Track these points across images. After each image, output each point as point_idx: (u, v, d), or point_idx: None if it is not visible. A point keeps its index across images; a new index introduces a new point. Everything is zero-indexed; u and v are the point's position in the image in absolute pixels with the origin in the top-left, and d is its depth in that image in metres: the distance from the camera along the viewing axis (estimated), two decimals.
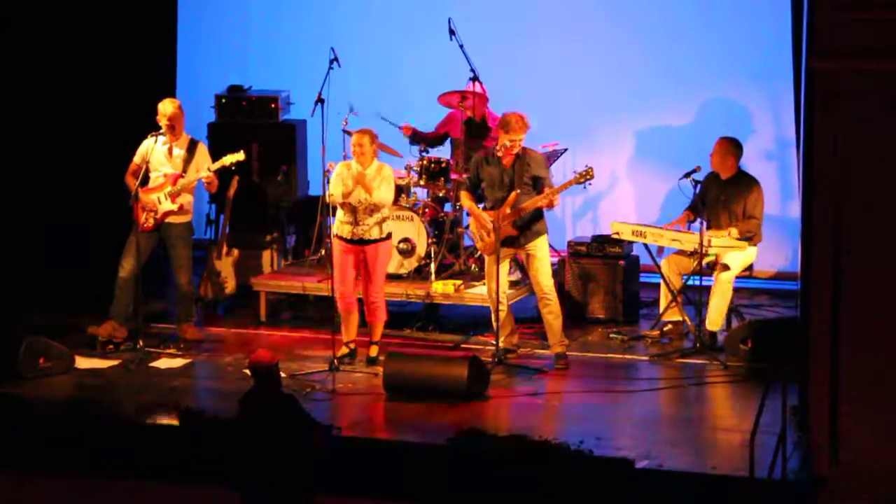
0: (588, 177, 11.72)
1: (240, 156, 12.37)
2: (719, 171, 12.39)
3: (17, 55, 13.53)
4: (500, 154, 11.72)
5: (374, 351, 11.99)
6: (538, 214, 11.84)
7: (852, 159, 9.24)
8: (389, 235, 11.96)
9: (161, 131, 12.20)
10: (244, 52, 15.09)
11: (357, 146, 11.77)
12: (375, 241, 11.79)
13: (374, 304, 11.91)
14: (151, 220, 12.23)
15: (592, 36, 14.18)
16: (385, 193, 11.74)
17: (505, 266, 11.95)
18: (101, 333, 12.31)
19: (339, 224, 11.87)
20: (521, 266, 12.52)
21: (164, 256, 12.69)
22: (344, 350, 11.95)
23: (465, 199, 12.03)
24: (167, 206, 12.25)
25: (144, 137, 12.25)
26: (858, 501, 9.29)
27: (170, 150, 12.28)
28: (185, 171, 12.27)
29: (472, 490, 9.82)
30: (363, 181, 11.72)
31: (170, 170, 12.27)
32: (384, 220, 11.83)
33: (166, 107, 12.24)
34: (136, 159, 12.29)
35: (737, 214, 12.28)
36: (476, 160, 12.01)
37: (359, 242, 11.78)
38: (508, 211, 11.71)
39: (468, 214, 12.25)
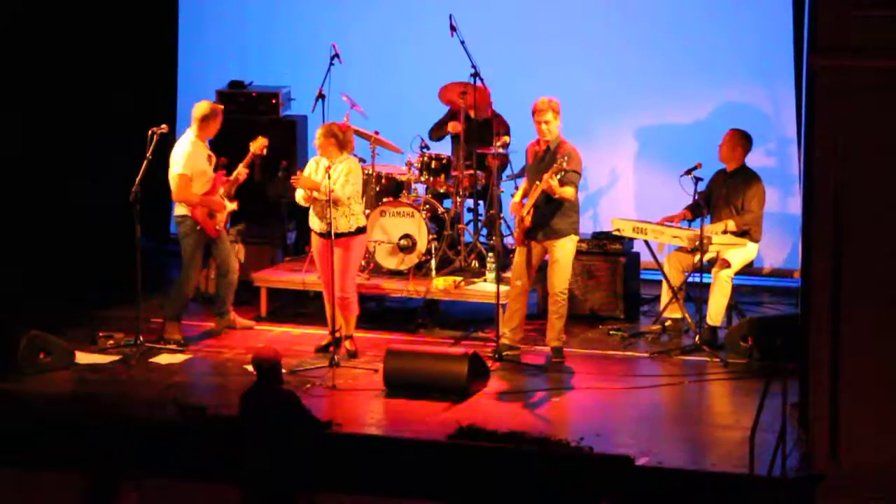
0: (560, 169, 11.65)
1: (262, 140, 12.40)
2: (726, 161, 12.39)
3: (16, 55, 13.51)
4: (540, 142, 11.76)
5: (349, 345, 11.95)
6: (562, 213, 11.71)
7: (853, 158, 9.25)
8: (361, 230, 11.87)
9: (162, 128, 12.13)
10: (245, 48, 15.07)
11: (315, 140, 11.83)
12: (343, 234, 11.73)
13: (342, 299, 11.83)
14: (222, 223, 12.34)
15: (593, 34, 14.15)
16: (338, 189, 11.62)
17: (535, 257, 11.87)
18: (176, 336, 12.29)
19: (310, 217, 11.90)
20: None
21: (162, 253, 12.68)
22: (327, 339, 11.98)
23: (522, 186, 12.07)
24: (230, 205, 12.39)
25: (145, 135, 12.17)
26: (858, 499, 9.29)
27: (208, 155, 12.31)
28: (213, 169, 12.36)
29: (471, 487, 9.83)
30: (305, 179, 11.71)
31: (211, 172, 12.30)
32: (353, 214, 11.76)
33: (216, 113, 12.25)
34: (189, 171, 12.04)
35: (737, 208, 12.28)
36: (528, 147, 12.03)
37: (328, 235, 11.72)
38: (526, 202, 11.71)
39: None
